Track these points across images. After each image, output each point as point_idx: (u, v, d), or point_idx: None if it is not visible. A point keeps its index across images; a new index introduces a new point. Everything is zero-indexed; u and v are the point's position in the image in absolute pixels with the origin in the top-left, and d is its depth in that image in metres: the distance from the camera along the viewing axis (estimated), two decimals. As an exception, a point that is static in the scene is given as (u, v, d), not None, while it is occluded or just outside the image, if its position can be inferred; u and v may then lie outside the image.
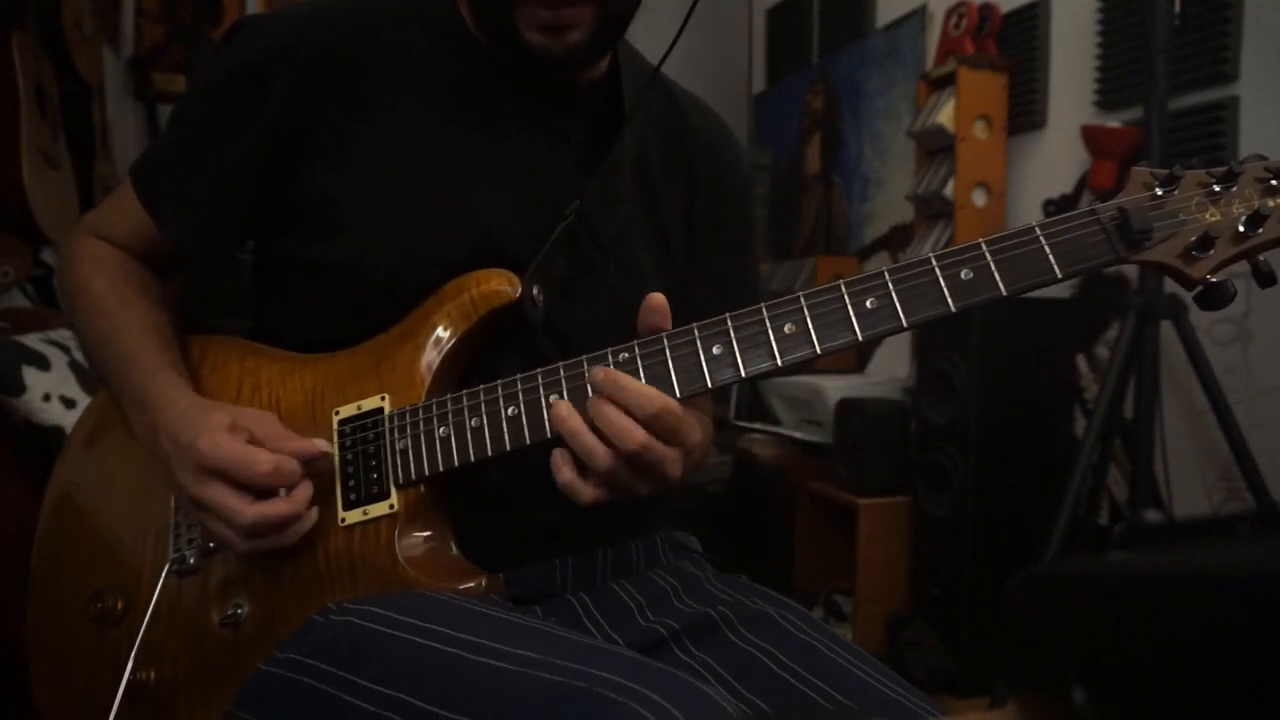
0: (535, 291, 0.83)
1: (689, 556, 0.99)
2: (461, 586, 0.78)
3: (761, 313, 0.71)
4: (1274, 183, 0.65)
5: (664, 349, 0.73)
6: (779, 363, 0.70)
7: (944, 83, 2.57)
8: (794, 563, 2.71)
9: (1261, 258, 0.66)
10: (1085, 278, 2.29)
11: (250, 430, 0.78)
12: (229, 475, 0.75)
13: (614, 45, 0.90)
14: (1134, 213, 0.65)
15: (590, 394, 0.72)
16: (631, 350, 0.74)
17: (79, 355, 1.81)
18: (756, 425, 2.90)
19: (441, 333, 0.82)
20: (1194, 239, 0.65)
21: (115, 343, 0.87)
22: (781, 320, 0.71)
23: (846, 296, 0.69)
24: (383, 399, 0.81)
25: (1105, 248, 0.66)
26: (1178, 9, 1.66)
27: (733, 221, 1.01)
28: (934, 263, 0.68)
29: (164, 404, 0.81)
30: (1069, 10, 2.41)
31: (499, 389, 0.77)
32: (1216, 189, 0.67)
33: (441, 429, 0.78)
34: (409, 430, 0.79)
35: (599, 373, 0.72)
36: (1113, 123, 2.21)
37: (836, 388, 2.57)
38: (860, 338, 0.69)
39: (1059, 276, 0.66)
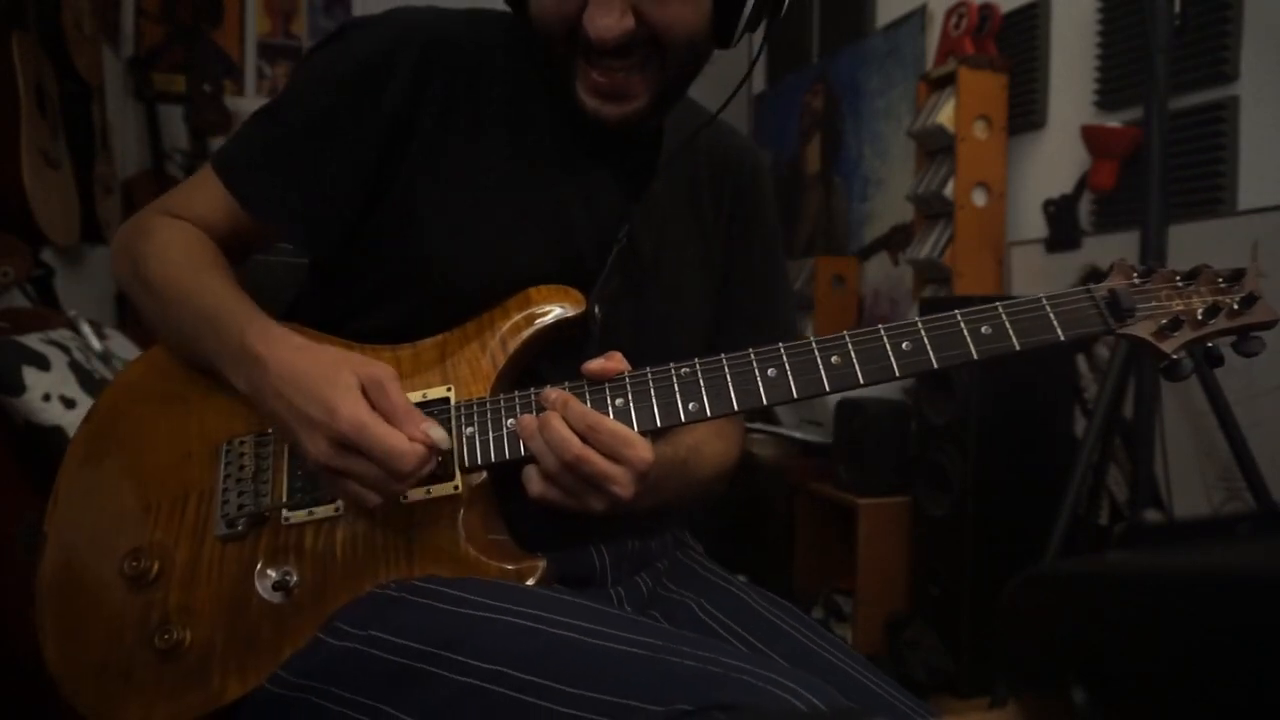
0: (597, 310, 0.89)
1: (693, 556, 1.03)
2: (514, 567, 0.81)
3: (811, 344, 0.81)
4: (1222, 284, 0.80)
5: (724, 368, 0.81)
6: (827, 388, 0.80)
7: (944, 83, 2.57)
8: (794, 563, 2.71)
9: (1210, 344, 0.80)
10: (1085, 276, 2.29)
11: (371, 397, 0.76)
12: (369, 457, 0.74)
13: (670, 108, 0.93)
14: (1123, 294, 0.80)
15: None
16: (693, 367, 0.81)
17: (79, 355, 1.81)
18: (756, 425, 2.90)
19: (506, 338, 0.87)
20: (1165, 321, 0.79)
21: (196, 303, 0.86)
22: (830, 353, 0.81)
23: (886, 339, 0.80)
24: (448, 389, 0.85)
25: (1098, 319, 0.80)
26: (1178, 9, 1.66)
27: (760, 243, 1.07)
28: (959, 317, 0.80)
29: (261, 360, 0.79)
30: (1069, 10, 2.41)
31: (566, 388, 0.82)
32: (1180, 284, 0.81)
33: (509, 420, 0.82)
34: (476, 419, 0.84)
35: (550, 392, 0.80)
36: (1113, 123, 2.21)
37: (836, 388, 2.56)
38: (898, 374, 0.80)
39: (1061, 338, 0.79)
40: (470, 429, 0.83)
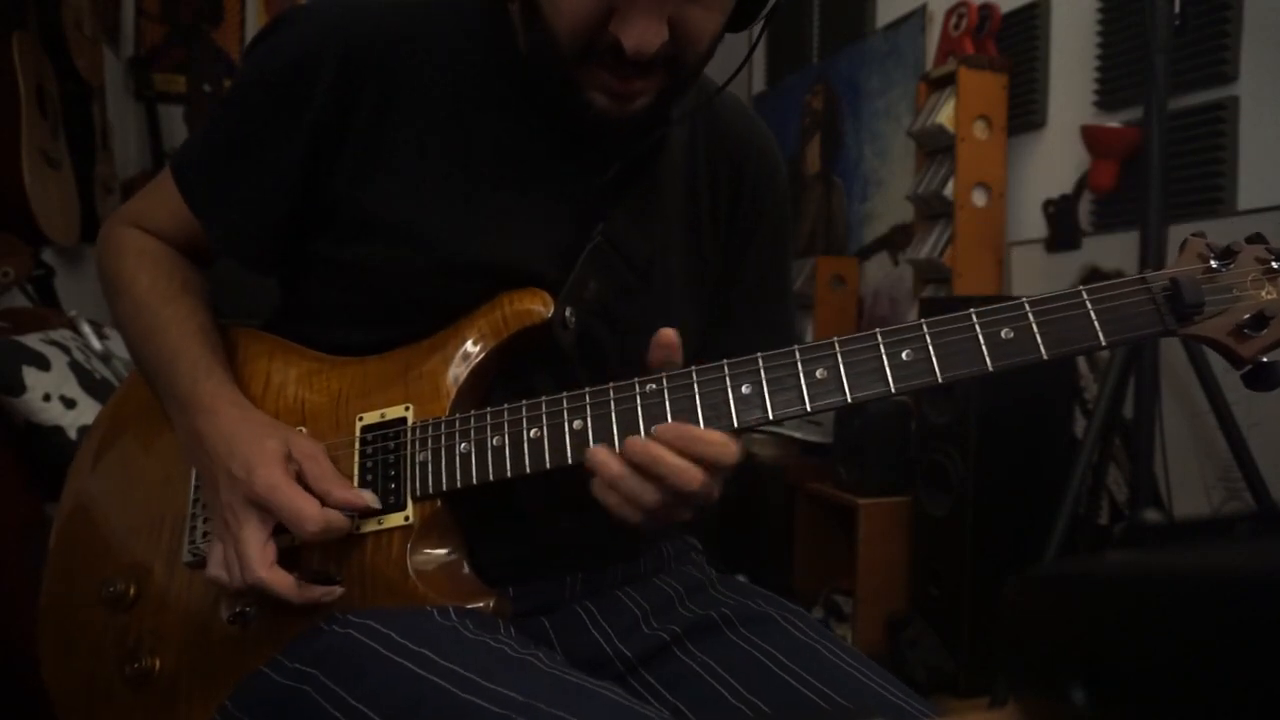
0: (568, 313, 0.83)
1: (692, 560, 0.99)
2: (469, 606, 0.77)
3: (794, 355, 0.70)
4: None
5: (692, 384, 0.72)
6: (808, 408, 0.69)
7: (944, 83, 2.57)
8: (794, 563, 2.71)
9: None
10: (1085, 276, 2.29)
11: (301, 466, 0.77)
12: (277, 518, 0.75)
13: (672, 110, 0.87)
14: (1186, 284, 0.63)
15: (643, 437, 0.71)
16: (659, 383, 0.73)
17: (79, 355, 1.81)
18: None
19: (470, 347, 0.82)
20: (1247, 316, 0.63)
21: (159, 341, 0.85)
22: (814, 365, 0.69)
23: (882, 347, 0.68)
24: (407, 409, 0.81)
25: (1153, 318, 0.64)
26: (1178, 9, 1.66)
27: (767, 240, 0.99)
28: (974, 319, 0.66)
29: (210, 411, 0.80)
30: (1069, 10, 2.41)
31: (523, 410, 0.77)
32: (1275, 265, 0.64)
33: (463, 445, 0.78)
34: (430, 443, 0.79)
35: (667, 430, 0.70)
36: (1112, 123, 2.21)
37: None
38: (894, 390, 0.67)
39: (1103, 344, 0.64)
40: (424, 454, 0.79)
